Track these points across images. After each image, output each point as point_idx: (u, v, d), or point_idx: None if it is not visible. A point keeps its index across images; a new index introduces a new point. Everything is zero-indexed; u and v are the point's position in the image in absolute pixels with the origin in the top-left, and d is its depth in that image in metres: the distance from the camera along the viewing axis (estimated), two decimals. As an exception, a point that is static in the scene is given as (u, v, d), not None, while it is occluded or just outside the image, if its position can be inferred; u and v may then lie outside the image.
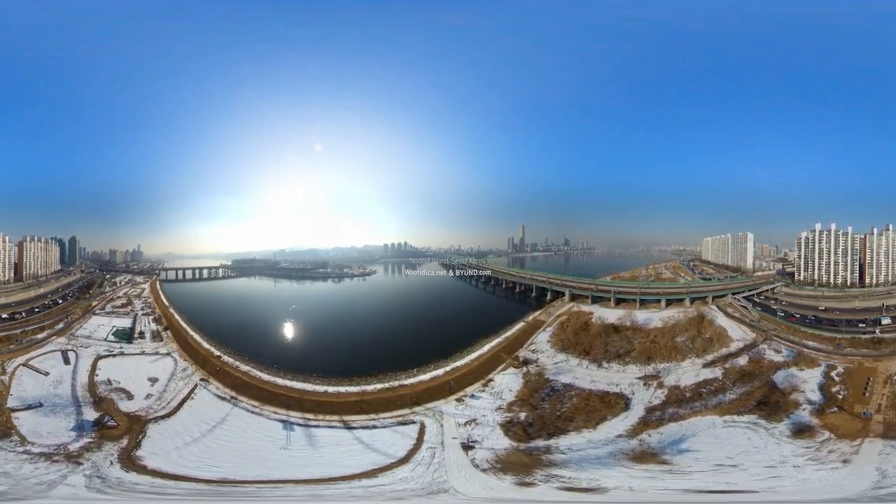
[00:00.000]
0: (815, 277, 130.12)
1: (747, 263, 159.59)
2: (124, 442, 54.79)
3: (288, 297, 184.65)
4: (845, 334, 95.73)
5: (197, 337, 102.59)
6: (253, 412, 71.03)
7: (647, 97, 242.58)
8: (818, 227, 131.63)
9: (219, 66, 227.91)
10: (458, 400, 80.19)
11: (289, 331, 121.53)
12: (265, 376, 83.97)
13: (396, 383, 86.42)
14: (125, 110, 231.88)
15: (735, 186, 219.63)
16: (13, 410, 63.01)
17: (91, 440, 54.47)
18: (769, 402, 73.32)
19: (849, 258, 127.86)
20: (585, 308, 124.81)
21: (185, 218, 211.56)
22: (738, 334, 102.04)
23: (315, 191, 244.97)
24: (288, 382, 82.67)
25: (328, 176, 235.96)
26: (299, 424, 67.99)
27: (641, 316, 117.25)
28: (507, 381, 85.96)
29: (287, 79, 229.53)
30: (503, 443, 63.81)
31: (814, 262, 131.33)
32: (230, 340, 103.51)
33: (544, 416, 72.92)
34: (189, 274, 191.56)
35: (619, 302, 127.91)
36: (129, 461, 51.54)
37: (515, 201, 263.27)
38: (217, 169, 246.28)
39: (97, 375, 74.49)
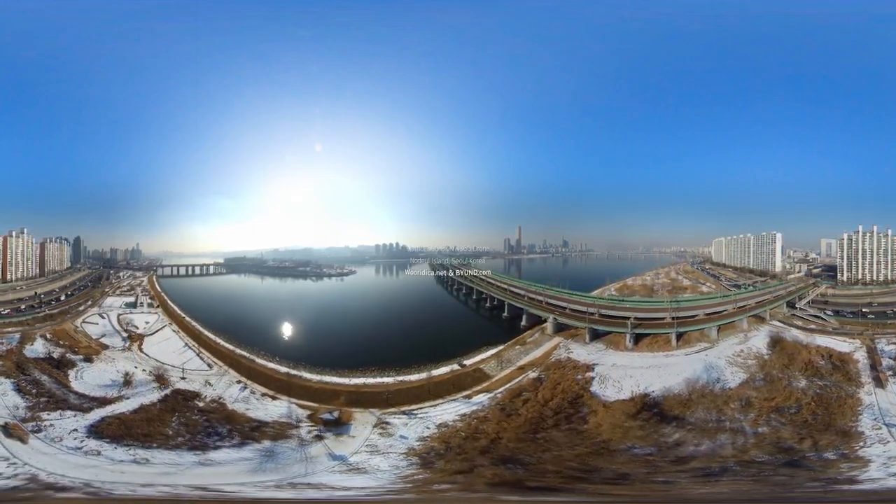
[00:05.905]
0: (859, 277, 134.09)
1: (776, 266, 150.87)
2: (138, 342, 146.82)
3: (257, 290, 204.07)
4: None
5: (175, 307, 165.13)
6: (180, 339, 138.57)
7: (648, 97, 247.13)
8: (861, 228, 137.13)
9: (219, 66, 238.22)
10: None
11: (241, 311, 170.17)
12: (198, 326, 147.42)
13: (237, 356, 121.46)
14: (125, 110, 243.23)
15: (737, 186, 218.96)
16: (99, 338, 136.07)
17: (130, 343, 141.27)
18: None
19: (889, 257, 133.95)
20: (579, 353, 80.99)
21: (184, 218, 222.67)
22: (845, 347, 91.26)
23: (313, 191, 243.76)
24: (209, 333, 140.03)
25: (327, 176, 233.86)
26: (189, 348, 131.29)
27: (691, 366, 74.04)
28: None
29: (287, 79, 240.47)
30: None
31: (857, 262, 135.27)
32: (200, 311, 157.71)
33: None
34: (183, 271, 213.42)
35: (638, 339, 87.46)
36: (140, 350, 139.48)
37: (513, 202, 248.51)
38: (216, 169, 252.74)
39: (121, 321, 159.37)
